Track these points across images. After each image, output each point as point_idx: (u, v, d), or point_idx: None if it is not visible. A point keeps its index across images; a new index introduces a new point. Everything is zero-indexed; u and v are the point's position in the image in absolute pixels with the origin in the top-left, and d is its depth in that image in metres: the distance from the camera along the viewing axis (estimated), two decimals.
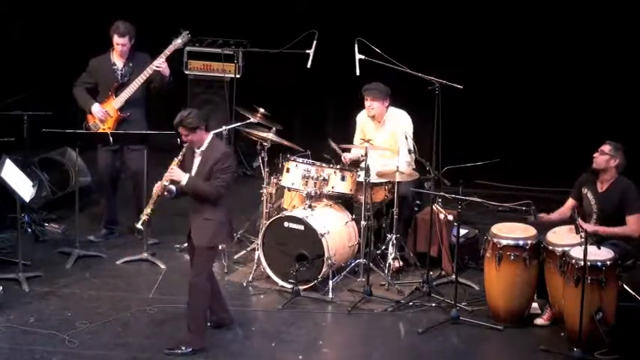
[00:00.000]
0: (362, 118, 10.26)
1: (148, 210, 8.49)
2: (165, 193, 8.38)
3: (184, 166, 8.37)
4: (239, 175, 11.97)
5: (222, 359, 8.34)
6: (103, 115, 10.23)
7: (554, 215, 9.17)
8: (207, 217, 8.24)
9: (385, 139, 10.06)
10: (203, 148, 8.28)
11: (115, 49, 10.25)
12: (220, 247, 9.36)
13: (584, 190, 9.05)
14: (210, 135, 8.32)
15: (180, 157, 8.37)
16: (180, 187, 8.31)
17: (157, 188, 8.39)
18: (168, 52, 10.20)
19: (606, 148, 8.91)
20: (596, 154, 8.93)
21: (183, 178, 8.25)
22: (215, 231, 8.26)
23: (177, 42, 10.25)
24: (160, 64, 10.14)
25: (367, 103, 10.06)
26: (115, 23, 10.20)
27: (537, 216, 8.87)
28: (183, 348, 8.32)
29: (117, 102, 10.23)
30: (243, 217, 10.53)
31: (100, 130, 10.20)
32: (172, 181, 8.30)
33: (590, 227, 8.69)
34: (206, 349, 8.35)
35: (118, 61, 10.30)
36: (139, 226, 8.65)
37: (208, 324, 8.59)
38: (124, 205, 10.71)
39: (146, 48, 10.47)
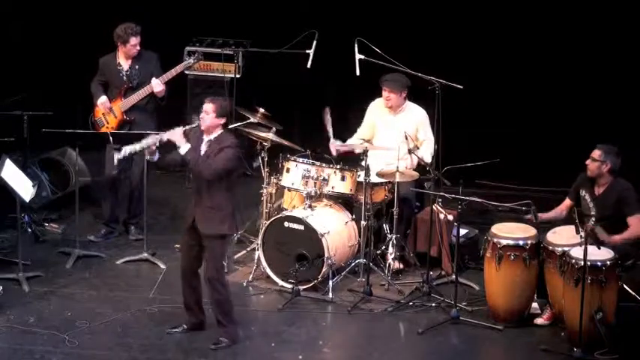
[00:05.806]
0: (374, 109, 10.19)
1: (134, 147, 8.51)
2: (148, 153, 8.41)
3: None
4: (239, 176, 11.93)
5: (223, 359, 8.35)
6: (106, 109, 10.23)
7: (551, 214, 9.17)
8: (211, 206, 8.26)
9: (395, 134, 9.98)
10: (211, 137, 8.31)
11: (126, 52, 10.22)
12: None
13: (582, 192, 9.04)
14: (222, 129, 8.33)
15: (187, 127, 8.40)
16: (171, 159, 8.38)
17: (151, 138, 8.41)
18: (177, 70, 10.26)
19: (596, 154, 8.86)
20: (588, 161, 8.90)
21: (183, 145, 8.29)
22: (222, 219, 8.29)
23: (190, 61, 10.38)
24: (159, 85, 10.17)
25: (385, 94, 10.00)
26: (125, 26, 10.15)
27: (537, 216, 8.87)
28: (226, 340, 8.44)
29: (123, 105, 10.26)
30: (243, 217, 10.52)
31: (104, 129, 10.22)
32: (169, 142, 8.31)
33: (614, 238, 8.66)
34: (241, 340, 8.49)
35: (123, 62, 10.31)
36: (117, 156, 8.68)
37: (184, 326, 8.66)
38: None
39: (145, 48, 10.47)
